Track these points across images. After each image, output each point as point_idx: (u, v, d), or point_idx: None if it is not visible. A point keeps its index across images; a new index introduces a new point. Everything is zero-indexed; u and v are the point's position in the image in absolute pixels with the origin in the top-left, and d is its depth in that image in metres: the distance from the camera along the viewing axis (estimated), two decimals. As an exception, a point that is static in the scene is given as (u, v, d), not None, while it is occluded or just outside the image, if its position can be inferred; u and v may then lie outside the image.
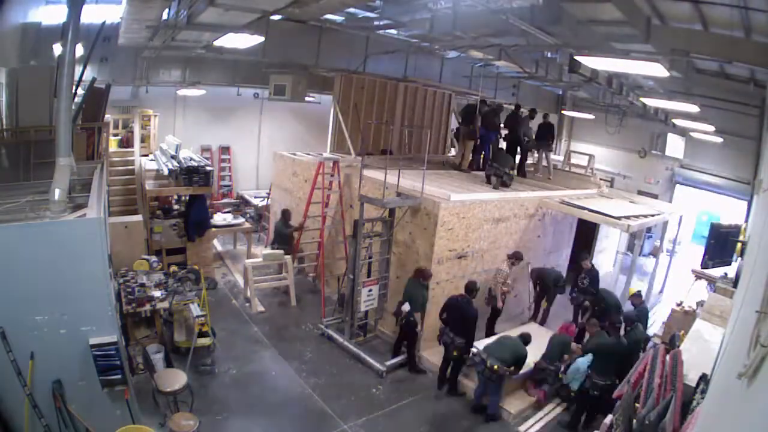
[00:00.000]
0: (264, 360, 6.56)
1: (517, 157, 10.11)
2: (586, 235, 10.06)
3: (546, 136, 10.60)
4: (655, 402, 3.91)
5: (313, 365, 6.52)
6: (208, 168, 8.62)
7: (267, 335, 7.17)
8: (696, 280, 9.45)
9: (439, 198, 6.80)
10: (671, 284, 11.03)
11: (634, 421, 3.88)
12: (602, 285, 7.88)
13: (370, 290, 6.92)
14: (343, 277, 7.35)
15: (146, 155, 10.18)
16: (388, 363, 6.50)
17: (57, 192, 3.95)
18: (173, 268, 6.73)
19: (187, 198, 8.58)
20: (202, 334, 5.99)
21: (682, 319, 7.35)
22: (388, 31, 8.97)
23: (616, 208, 8.42)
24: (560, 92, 15.62)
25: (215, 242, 10.37)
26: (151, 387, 4.95)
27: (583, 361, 5.61)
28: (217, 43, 6.44)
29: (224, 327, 7.11)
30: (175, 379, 4.95)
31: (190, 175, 8.31)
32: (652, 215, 8.77)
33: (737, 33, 5.53)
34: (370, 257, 7.10)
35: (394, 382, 6.36)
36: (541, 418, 5.96)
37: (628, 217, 7.80)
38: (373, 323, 7.42)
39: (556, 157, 16.32)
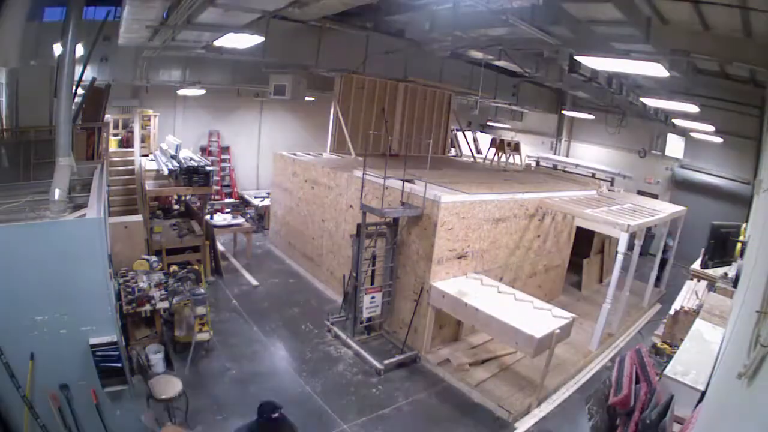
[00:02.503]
0: (264, 360, 6.56)
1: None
2: (586, 234, 10.04)
3: None
4: (656, 402, 3.91)
5: (313, 364, 6.54)
6: (208, 168, 8.62)
7: (267, 335, 7.18)
8: (697, 281, 9.44)
9: (439, 198, 6.78)
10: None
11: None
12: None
13: (373, 297, 6.91)
14: (349, 275, 7.36)
15: (146, 155, 10.18)
16: (386, 362, 6.51)
17: (57, 192, 3.95)
18: (173, 268, 6.73)
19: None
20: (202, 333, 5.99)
21: (682, 319, 7.34)
22: (391, 18, 8.66)
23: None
24: (560, 92, 15.63)
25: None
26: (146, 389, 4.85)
27: None
28: (217, 43, 6.44)
29: (224, 327, 7.12)
30: (170, 386, 4.79)
31: (190, 175, 8.33)
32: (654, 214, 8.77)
33: (737, 33, 5.55)
34: (374, 264, 7.04)
35: (394, 381, 6.37)
36: (538, 415, 5.95)
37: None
38: (378, 323, 7.42)
39: (556, 158, 16.33)
